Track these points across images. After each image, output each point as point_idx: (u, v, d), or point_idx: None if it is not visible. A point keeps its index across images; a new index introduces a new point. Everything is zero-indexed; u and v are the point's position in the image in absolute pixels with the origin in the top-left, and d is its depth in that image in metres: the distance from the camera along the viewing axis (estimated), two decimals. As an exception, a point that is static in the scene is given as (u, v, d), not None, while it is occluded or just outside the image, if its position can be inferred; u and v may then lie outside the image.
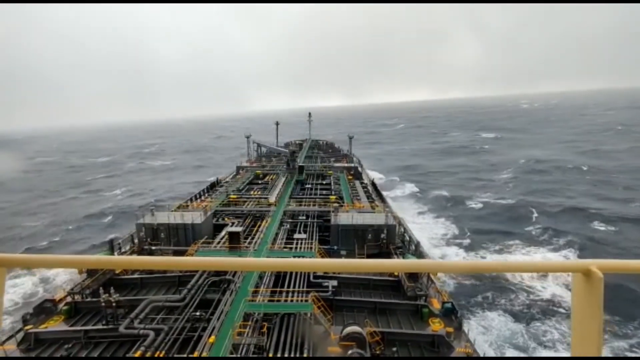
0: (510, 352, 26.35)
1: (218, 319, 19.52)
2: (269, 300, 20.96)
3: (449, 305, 22.19)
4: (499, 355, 26.02)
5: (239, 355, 16.88)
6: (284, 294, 21.58)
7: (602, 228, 47.41)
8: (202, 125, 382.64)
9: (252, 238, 29.95)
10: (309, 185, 49.80)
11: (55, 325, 20.98)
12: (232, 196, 42.55)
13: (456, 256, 41.90)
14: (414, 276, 25.20)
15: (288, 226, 33.11)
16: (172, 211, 33.91)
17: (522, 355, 26.34)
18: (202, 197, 45.49)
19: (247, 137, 73.46)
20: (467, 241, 46.07)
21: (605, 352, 25.59)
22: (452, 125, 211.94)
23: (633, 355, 25.63)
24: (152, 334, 18.19)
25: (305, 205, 39.25)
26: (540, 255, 40.54)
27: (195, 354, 17.03)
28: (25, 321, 20.80)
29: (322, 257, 27.21)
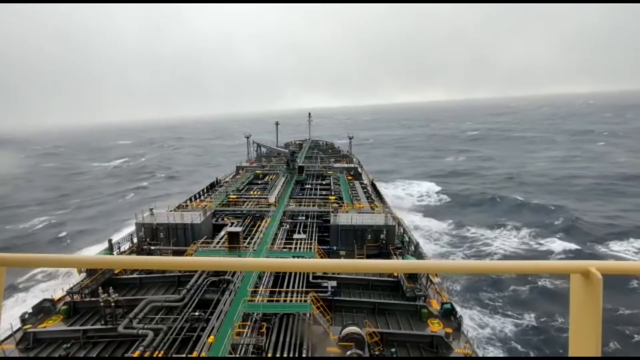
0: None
1: (217, 319, 19.48)
2: (268, 301, 20.92)
3: (448, 306, 22.16)
4: (498, 355, 25.99)
5: (238, 356, 16.87)
6: (283, 294, 21.52)
7: None
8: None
9: (252, 238, 29.88)
10: (309, 186, 49.74)
11: (54, 324, 20.93)
12: (231, 196, 42.49)
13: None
14: (413, 277, 25.20)
15: (287, 226, 33.05)
16: (171, 211, 33.88)
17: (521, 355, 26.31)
18: (202, 197, 45.45)
19: (247, 138, 73.41)
20: None
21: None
22: None
23: (633, 355, 25.61)
24: (151, 333, 18.16)
25: (304, 205, 39.19)
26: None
27: (195, 354, 17.00)
28: (24, 320, 20.75)
29: (322, 257, 27.18)
